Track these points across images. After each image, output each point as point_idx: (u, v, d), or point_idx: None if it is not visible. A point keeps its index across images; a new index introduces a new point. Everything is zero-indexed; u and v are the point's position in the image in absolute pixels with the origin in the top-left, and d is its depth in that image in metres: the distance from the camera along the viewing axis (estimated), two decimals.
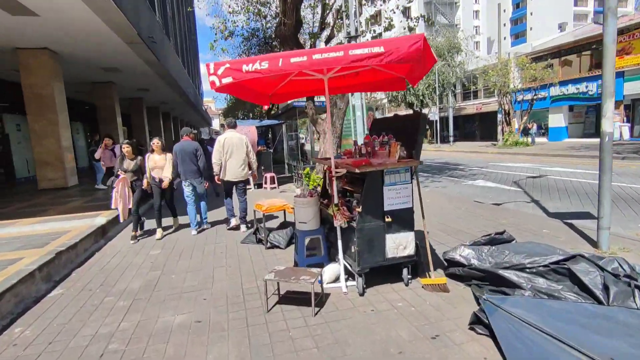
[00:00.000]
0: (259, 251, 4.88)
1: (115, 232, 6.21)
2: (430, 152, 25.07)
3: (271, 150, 11.11)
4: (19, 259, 4.14)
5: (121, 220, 5.72)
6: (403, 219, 3.42)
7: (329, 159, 3.74)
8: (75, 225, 5.67)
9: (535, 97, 23.53)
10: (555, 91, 24.48)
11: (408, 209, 3.44)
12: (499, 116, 25.93)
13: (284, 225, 5.22)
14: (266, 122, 11.33)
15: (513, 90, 24.18)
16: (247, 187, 9.61)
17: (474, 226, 5.52)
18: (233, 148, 5.66)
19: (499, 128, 25.92)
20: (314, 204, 3.86)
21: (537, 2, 49.57)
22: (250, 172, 6.05)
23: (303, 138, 19.90)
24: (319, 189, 4.09)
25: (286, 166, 13.12)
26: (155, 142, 5.74)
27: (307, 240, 3.93)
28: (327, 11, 9.84)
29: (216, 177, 5.78)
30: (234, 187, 5.93)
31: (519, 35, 54.13)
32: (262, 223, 4.97)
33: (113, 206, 5.54)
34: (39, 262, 3.92)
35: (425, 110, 34.24)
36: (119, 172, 5.61)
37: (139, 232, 5.83)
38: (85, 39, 9.52)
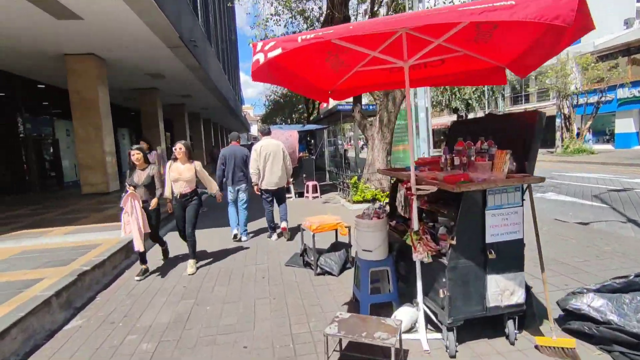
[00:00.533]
0: (307, 277, 4.11)
1: (147, 246, 5.69)
2: None
3: (313, 157, 10.43)
4: (39, 279, 3.65)
5: (138, 248, 4.20)
6: (511, 255, 2.51)
7: (403, 170, 2.92)
8: (107, 238, 5.20)
9: (601, 99, 21.22)
10: (623, 93, 21.99)
11: (517, 240, 2.52)
12: (558, 121, 23.72)
13: (335, 247, 4.42)
14: (309, 126, 10.67)
15: (575, 93, 21.99)
16: (288, 195, 8.98)
17: (570, 254, 4.43)
18: (270, 155, 5.52)
19: (558, 134, 23.70)
20: (381, 227, 3.04)
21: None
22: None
23: (341, 144, 19.17)
24: (387, 207, 3.26)
25: (327, 173, 12.38)
26: (179, 148, 4.44)
27: (371, 273, 3.11)
28: (378, 6, 9.02)
29: (255, 187, 5.63)
30: (275, 195, 5.76)
31: None
32: (312, 244, 4.20)
33: (124, 233, 4.14)
34: (57, 286, 3.39)
35: (471, 115, 32.36)
36: (127, 187, 4.21)
37: (154, 263, 4.49)
38: (129, 43, 9.39)
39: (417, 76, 3.15)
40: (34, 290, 3.34)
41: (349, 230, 4.27)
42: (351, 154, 14.26)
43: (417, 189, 2.61)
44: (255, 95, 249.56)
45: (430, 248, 2.57)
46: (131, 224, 4.10)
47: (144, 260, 4.41)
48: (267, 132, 5.83)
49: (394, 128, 8.32)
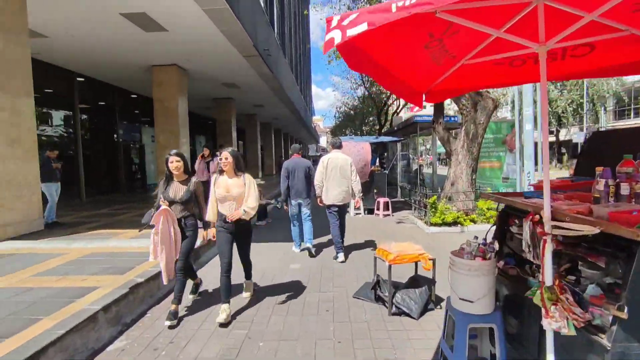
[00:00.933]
0: (379, 317, 3.41)
1: (207, 257, 5.45)
2: None
3: (386, 171, 9.66)
4: (93, 287, 3.46)
5: (165, 282, 3.43)
6: None
7: (520, 195, 2.11)
8: None
9: None
10: None
11: None
12: None
13: (415, 281, 3.65)
14: (382, 138, 9.94)
15: None
16: (357, 212, 8.34)
17: None
18: (337, 169, 5.23)
19: None
20: (488, 271, 2.25)
21: None
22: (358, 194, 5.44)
23: (413, 158, 18.05)
24: (495, 244, 2.45)
25: (399, 189, 11.47)
26: (225, 158, 3.38)
27: (469, 329, 2.33)
28: None
29: (318, 200, 5.39)
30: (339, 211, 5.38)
31: None
32: (387, 276, 3.49)
33: (152, 257, 3.38)
34: (107, 300, 3.14)
35: (563, 131, 28.74)
36: (161, 201, 3.39)
37: (180, 306, 3.42)
38: (207, 53, 9.68)
39: (557, 69, 2.30)
40: (84, 301, 3.12)
41: (434, 263, 3.48)
42: (426, 169, 13.13)
43: (556, 227, 1.79)
44: (326, 107, 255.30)
45: (576, 316, 1.73)
46: (159, 248, 3.31)
47: (178, 298, 3.39)
48: (338, 146, 5.55)
49: (481, 142, 7.27)
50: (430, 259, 3.47)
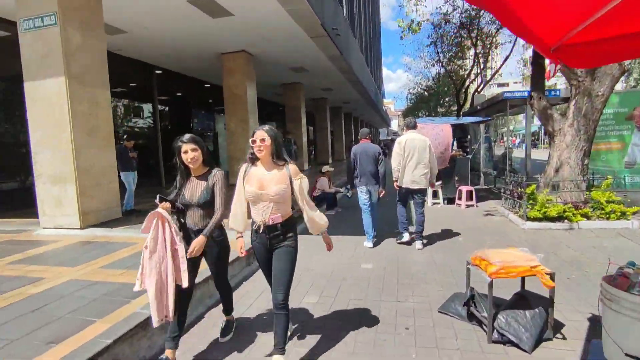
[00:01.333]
0: (475, 343, 2.67)
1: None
2: None
3: (469, 156, 8.46)
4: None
5: (155, 323, 2.27)
6: None
7: None
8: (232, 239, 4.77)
9: None
10: None
11: None
12: None
13: (523, 299, 2.82)
14: (467, 119, 8.68)
15: None
16: (435, 201, 7.45)
17: None
18: (414, 151, 4.97)
19: None
20: None
21: None
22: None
23: (493, 141, 15.97)
24: None
25: (482, 176, 10.14)
26: (259, 139, 2.33)
27: None
28: None
29: (395, 183, 5.15)
30: (411, 196, 5.18)
31: None
32: (486, 293, 2.73)
33: (137, 285, 2.30)
34: None
35: None
36: (157, 200, 2.38)
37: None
38: (274, 36, 9.35)
39: None
40: (137, 303, 2.90)
41: (553, 278, 2.62)
42: (516, 153, 11.34)
43: None
44: (396, 89, 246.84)
45: None
46: (147, 272, 2.26)
47: (173, 344, 2.41)
48: (412, 126, 5.23)
49: (599, 119, 5.84)
50: (548, 273, 2.61)
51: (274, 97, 18.78)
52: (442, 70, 21.87)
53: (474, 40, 17.57)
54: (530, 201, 5.83)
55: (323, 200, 7.59)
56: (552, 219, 5.69)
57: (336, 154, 25.29)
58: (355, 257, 4.77)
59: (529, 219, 5.76)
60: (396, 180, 5.11)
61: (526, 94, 7.67)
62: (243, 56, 10.64)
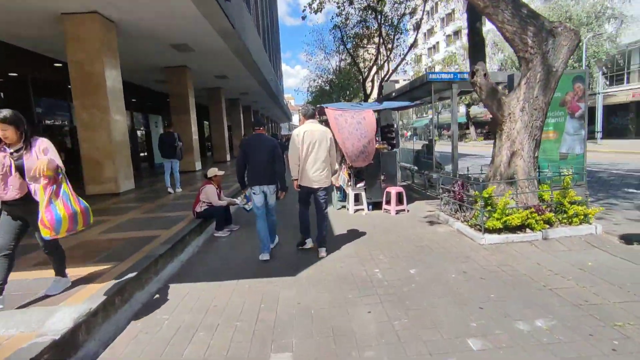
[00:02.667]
0: None
1: None
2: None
3: (396, 150, 7.18)
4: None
5: None
6: None
7: None
8: None
9: None
10: None
11: None
12: None
13: None
14: (391, 103, 7.26)
15: None
16: (358, 207, 6.00)
17: None
18: (314, 145, 4.36)
19: None
20: None
21: None
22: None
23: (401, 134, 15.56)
24: None
25: (398, 171, 9.09)
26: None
27: None
28: None
29: (295, 183, 4.53)
30: (312, 197, 4.57)
31: None
32: None
33: None
34: None
35: None
36: None
37: None
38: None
39: None
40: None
41: None
42: (438, 148, 10.44)
43: None
44: (295, 84, 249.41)
45: None
46: None
47: None
48: (310, 115, 4.58)
49: (550, 102, 4.95)
50: None
51: (158, 85, 15.50)
52: (348, 58, 21.17)
53: (380, 21, 17.13)
54: (488, 207, 4.63)
55: (211, 217, 5.49)
56: (512, 229, 4.57)
57: (235, 151, 22.70)
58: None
59: (486, 230, 4.58)
60: (296, 180, 4.50)
61: (452, 76, 6.65)
62: (97, 20, 7.73)
